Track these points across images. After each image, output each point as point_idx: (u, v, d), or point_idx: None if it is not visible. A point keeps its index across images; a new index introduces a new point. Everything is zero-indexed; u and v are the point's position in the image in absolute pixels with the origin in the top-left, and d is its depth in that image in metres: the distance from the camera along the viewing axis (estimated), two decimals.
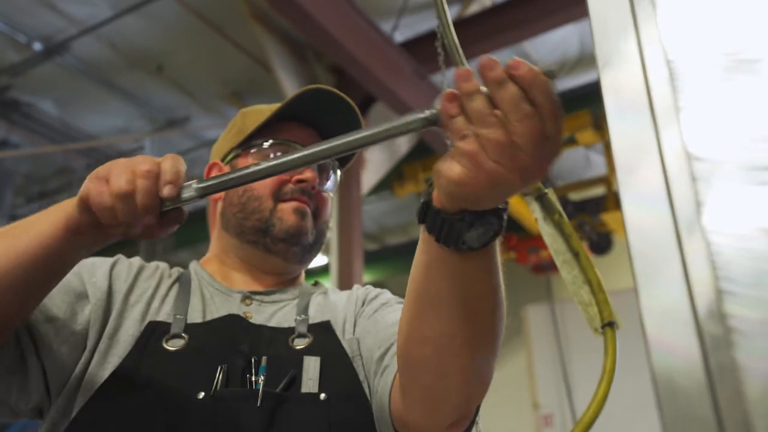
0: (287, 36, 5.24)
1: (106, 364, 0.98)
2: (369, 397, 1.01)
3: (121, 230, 0.82)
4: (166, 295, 1.09)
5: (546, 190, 1.08)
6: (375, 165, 5.45)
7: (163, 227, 0.83)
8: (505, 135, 0.59)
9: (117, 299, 1.05)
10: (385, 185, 6.00)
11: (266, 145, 1.18)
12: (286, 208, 1.15)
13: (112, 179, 0.77)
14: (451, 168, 0.64)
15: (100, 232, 0.82)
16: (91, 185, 0.78)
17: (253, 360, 0.99)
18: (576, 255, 1.05)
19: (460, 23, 5.01)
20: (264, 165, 0.78)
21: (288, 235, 1.14)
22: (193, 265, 1.20)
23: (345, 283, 4.76)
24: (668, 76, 0.35)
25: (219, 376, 0.95)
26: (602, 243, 6.85)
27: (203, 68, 5.84)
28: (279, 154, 1.15)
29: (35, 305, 0.92)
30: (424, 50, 4.87)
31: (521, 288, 7.96)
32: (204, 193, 0.81)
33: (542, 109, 0.57)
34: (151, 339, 1.00)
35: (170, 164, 0.79)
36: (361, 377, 1.03)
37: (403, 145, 5.69)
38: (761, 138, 0.31)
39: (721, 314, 0.30)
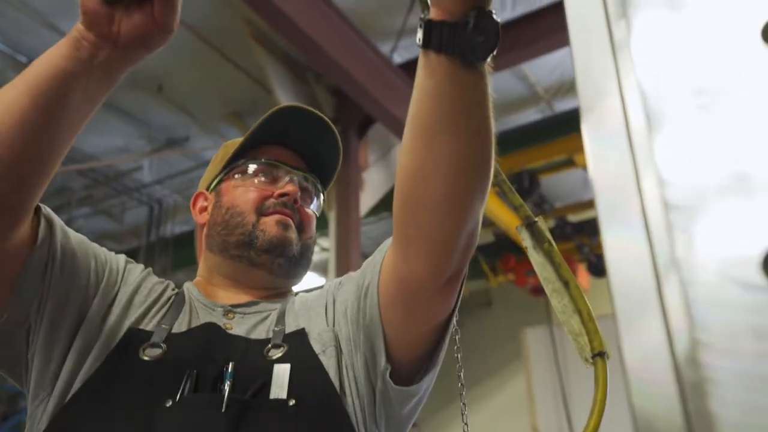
0: (287, 57, 5.28)
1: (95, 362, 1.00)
2: (341, 400, 1.00)
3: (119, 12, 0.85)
4: (164, 305, 1.10)
5: (536, 219, 1.08)
6: (373, 186, 5.46)
7: (162, 8, 0.86)
8: None
9: (126, 291, 1.08)
10: (383, 206, 6.01)
11: (248, 166, 1.22)
12: (269, 221, 1.16)
13: None
14: None
15: (96, 27, 0.85)
16: None
17: (224, 368, 0.98)
18: (566, 284, 1.05)
19: None
20: None
21: (271, 246, 1.14)
22: (186, 284, 1.21)
23: None
24: (646, 123, 0.35)
25: (186, 383, 0.94)
26: (601, 265, 6.85)
27: (203, 88, 5.88)
28: (262, 177, 1.20)
29: (45, 151, 0.91)
30: None
31: (520, 310, 7.93)
32: None
33: None
34: (128, 347, 1.00)
35: None
36: (332, 375, 1.01)
37: None
38: (735, 189, 0.31)
39: (696, 363, 0.30)
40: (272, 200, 1.17)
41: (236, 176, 1.22)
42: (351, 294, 1.08)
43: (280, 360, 1.00)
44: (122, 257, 1.15)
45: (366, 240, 6.08)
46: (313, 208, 1.25)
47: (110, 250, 1.15)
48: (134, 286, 1.10)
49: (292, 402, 0.95)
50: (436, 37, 0.76)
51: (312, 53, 4.44)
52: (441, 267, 0.92)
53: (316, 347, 1.04)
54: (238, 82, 5.71)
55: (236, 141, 1.28)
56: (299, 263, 1.19)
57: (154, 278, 1.16)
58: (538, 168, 6.05)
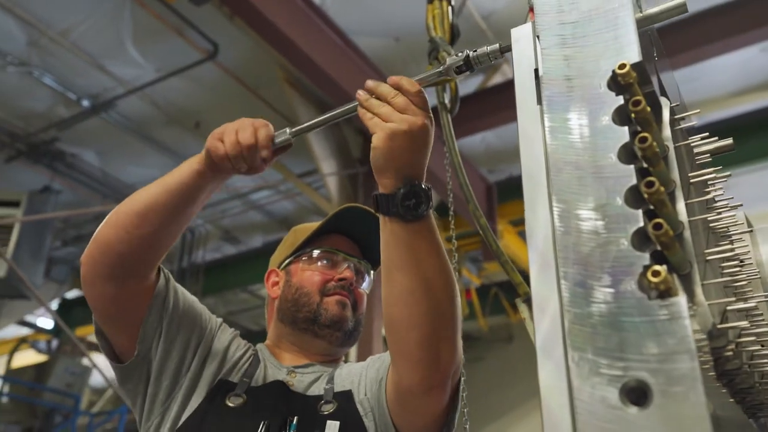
0: (318, 99, 5.54)
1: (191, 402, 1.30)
2: None
3: (231, 167, 1.20)
4: (246, 361, 1.41)
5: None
6: None
7: (263, 166, 1.22)
8: (391, 109, 1.05)
9: (220, 346, 1.39)
10: None
11: (314, 252, 1.50)
12: (331, 301, 1.44)
13: (225, 138, 1.18)
14: (375, 138, 1.04)
15: (218, 171, 1.22)
16: (210, 142, 1.19)
17: (288, 420, 1.25)
18: None
19: (483, 93, 5.27)
20: (330, 113, 1.17)
21: (332, 322, 1.42)
22: (260, 345, 1.51)
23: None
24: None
25: (261, 430, 1.22)
26: None
27: None
28: (325, 262, 1.49)
29: (171, 233, 1.28)
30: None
31: None
32: (295, 134, 1.19)
33: (408, 95, 1.06)
34: (218, 395, 1.30)
35: (263, 131, 1.19)
36: None
37: None
38: (611, 342, 0.49)
39: None
40: (333, 283, 1.45)
41: (304, 259, 1.50)
42: (375, 373, 1.33)
43: (332, 416, 1.26)
44: (219, 320, 1.48)
45: None
46: (364, 287, 1.53)
47: None
48: (227, 343, 1.41)
49: None
50: (379, 205, 1.09)
51: (340, 98, 4.69)
52: (417, 378, 1.15)
53: (360, 410, 1.29)
54: (271, 121, 5.84)
55: (305, 227, 1.58)
56: (352, 335, 1.47)
57: (240, 339, 1.47)
58: None
